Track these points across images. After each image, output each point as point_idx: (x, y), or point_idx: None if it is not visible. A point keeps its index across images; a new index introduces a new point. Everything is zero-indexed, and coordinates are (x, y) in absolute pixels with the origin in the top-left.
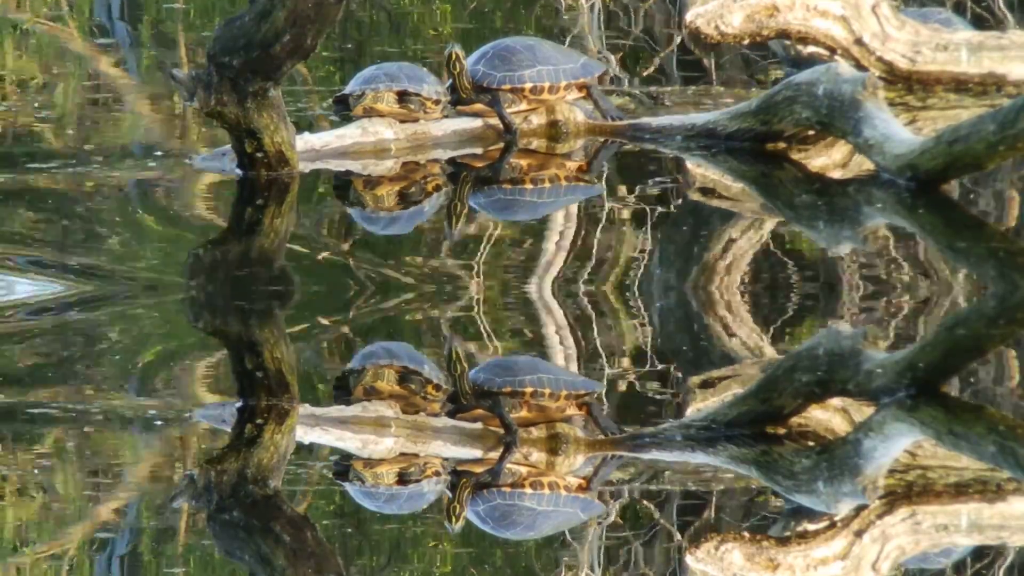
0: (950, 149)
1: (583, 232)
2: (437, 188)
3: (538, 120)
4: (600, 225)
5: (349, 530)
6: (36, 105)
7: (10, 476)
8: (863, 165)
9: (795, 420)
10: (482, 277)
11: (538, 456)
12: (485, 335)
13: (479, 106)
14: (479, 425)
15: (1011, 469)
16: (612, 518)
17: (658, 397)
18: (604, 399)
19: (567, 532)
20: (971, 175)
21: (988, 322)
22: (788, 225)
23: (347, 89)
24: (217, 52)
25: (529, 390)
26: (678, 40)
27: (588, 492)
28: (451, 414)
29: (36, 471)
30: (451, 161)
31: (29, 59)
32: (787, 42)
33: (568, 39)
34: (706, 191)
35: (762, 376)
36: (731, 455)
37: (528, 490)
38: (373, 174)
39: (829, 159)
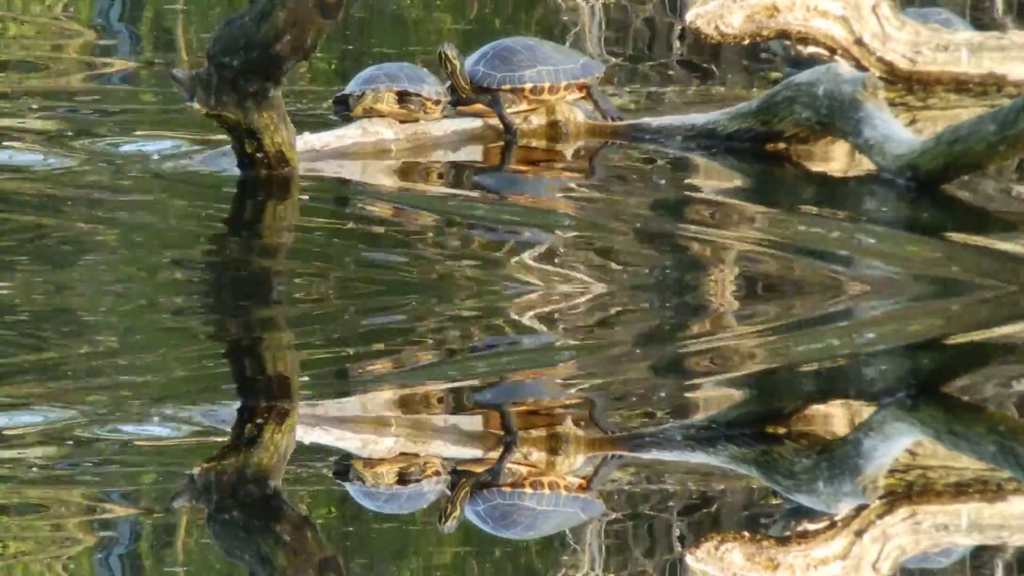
0: (950, 149)
1: (580, 230)
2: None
3: (538, 120)
4: (598, 223)
5: (349, 530)
6: (33, 107)
7: (8, 475)
8: (864, 162)
9: (795, 420)
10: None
11: (538, 456)
12: (479, 334)
13: (479, 106)
14: (479, 425)
15: (1011, 469)
16: (612, 518)
17: (658, 397)
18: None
19: (567, 532)
20: (973, 175)
21: (989, 321)
22: (789, 225)
23: (347, 89)
24: (217, 52)
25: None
26: (678, 40)
27: (588, 492)
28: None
29: (34, 470)
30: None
31: (28, 54)
32: (787, 42)
33: (568, 40)
34: (706, 191)
35: (762, 374)
36: (731, 455)
37: (528, 490)
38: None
39: (831, 153)
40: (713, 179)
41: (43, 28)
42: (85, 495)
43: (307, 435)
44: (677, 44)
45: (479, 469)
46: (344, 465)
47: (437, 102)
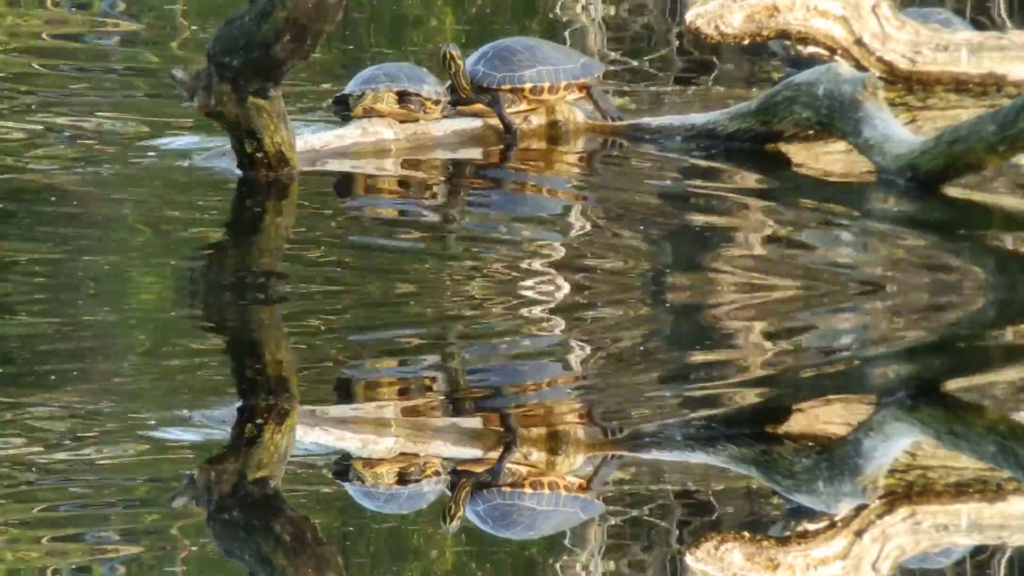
0: (950, 149)
1: (581, 229)
2: None
3: (538, 120)
4: (598, 222)
5: (349, 530)
6: (33, 107)
7: (8, 474)
8: (863, 161)
9: (795, 420)
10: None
11: (538, 456)
12: (480, 335)
13: (479, 106)
14: (479, 425)
15: (1011, 469)
16: (612, 518)
17: (658, 396)
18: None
19: (567, 532)
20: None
21: (989, 321)
22: (789, 225)
23: (347, 89)
24: (217, 52)
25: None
26: (677, 40)
27: (588, 492)
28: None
29: (33, 469)
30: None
31: (24, 51)
32: (787, 42)
33: (568, 40)
34: (707, 190)
35: (762, 374)
36: (731, 455)
37: (528, 490)
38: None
39: (831, 152)
40: (713, 178)
41: (47, 18)
42: (85, 495)
43: (307, 435)
44: (676, 44)
45: (479, 469)
46: (344, 465)
47: (437, 102)
